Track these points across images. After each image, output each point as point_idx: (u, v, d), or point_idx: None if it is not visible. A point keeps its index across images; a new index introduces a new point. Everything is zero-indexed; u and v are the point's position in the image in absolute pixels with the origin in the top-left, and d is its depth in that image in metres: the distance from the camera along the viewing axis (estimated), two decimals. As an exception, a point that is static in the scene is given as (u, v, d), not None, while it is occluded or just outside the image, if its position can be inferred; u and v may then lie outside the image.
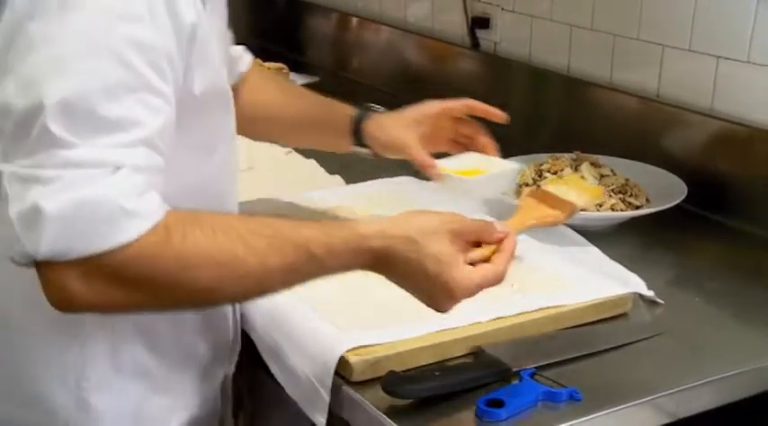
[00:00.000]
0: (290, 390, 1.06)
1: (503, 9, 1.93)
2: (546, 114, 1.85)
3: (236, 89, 1.16)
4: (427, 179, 1.54)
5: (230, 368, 1.18)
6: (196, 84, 0.94)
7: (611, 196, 1.43)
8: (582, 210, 1.39)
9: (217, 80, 1.00)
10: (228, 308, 1.12)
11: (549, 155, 1.55)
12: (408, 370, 1.01)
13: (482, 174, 1.28)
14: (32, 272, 0.84)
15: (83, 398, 1.01)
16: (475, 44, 2.01)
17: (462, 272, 0.93)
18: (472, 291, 0.94)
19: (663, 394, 1.02)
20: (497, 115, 1.28)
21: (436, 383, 0.98)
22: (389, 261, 0.92)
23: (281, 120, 1.35)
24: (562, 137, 1.73)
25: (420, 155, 1.25)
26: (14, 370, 1.02)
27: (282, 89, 1.39)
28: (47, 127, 0.81)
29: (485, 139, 1.28)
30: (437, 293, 0.94)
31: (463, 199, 1.51)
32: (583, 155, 1.54)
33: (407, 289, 0.95)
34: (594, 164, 1.51)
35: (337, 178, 1.61)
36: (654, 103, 1.62)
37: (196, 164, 1.00)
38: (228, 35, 1.17)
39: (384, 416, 0.95)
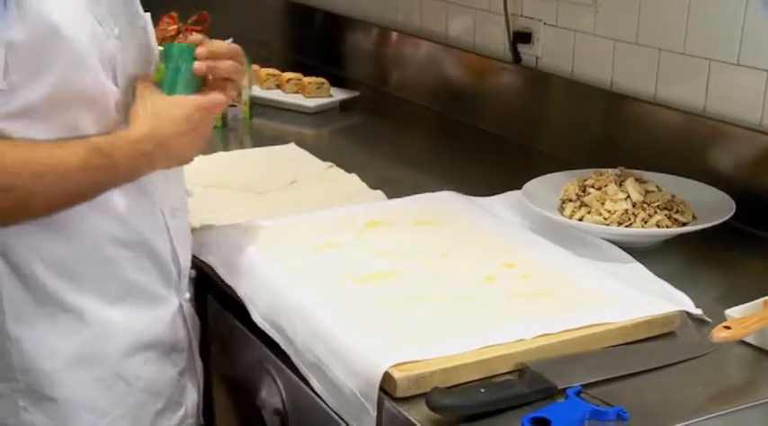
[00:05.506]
0: (333, 404, 1.05)
1: (545, 24, 1.92)
2: (588, 129, 1.84)
3: None
4: (469, 194, 1.55)
5: (181, 296, 1.22)
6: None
7: (656, 212, 1.41)
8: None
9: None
10: (159, 239, 1.17)
11: (594, 170, 1.53)
12: (453, 387, 1.00)
13: None
14: None
15: (4, 330, 1.09)
16: (516, 59, 2.00)
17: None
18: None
19: (713, 415, 1.00)
20: None
21: (481, 400, 0.97)
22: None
23: None
24: (605, 152, 1.71)
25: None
26: None
27: None
28: None
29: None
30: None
31: (504, 213, 1.50)
32: (627, 170, 1.52)
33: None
34: (639, 180, 1.49)
35: (379, 193, 1.61)
36: (700, 118, 1.59)
37: None
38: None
39: (428, 433, 0.95)
